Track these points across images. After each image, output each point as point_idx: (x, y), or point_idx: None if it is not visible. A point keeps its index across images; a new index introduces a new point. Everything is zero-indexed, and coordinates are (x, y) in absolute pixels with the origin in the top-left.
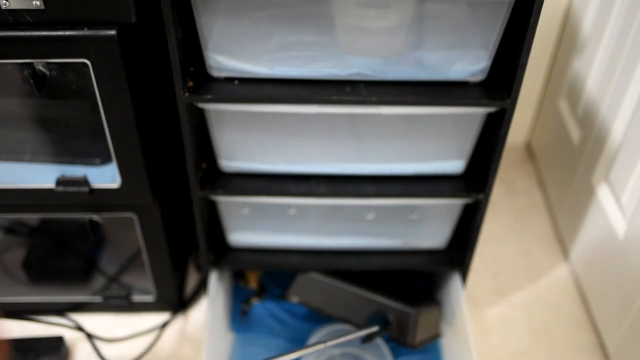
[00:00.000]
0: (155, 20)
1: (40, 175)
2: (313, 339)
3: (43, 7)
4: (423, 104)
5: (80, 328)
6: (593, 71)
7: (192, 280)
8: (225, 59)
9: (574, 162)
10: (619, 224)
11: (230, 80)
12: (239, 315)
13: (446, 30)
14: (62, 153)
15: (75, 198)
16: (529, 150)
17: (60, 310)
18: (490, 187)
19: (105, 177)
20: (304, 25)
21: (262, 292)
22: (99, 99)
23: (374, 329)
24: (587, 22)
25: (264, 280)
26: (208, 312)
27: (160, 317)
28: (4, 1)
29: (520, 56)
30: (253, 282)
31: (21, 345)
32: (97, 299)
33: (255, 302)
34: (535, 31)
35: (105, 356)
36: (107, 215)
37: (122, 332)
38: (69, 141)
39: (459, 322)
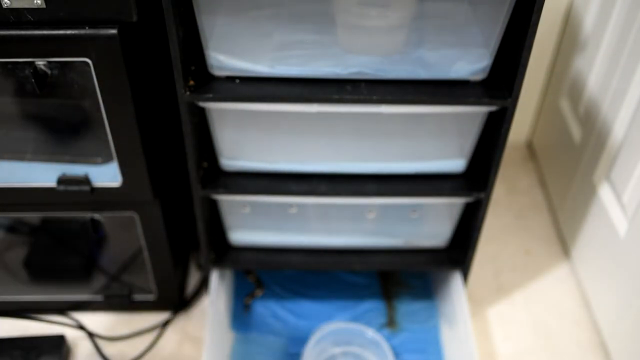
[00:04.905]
0: (157, 19)
1: (42, 174)
2: (314, 337)
3: (44, 6)
4: (424, 102)
5: (81, 327)
6: (594, 70)
7: (193, 279)
8: (227, 58)
9: (575, 160)
10: (620, 223)
11: (231, 79)
12: (242, 310)
13: (447, 29)
14: (63, 152)
15: (76, 197)
16: (530, 149)
17: (62, 309)
18: (491, 186)
19: (107, 176)
20: (305, 24)
21: (260, 284)
22: (100, 98)
23: None
24: (589, 20)
25: (265, 278)
26: (209, 311)
27: (161, 316)
28: (6, 0)
29: (521, 55)
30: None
31: (22, 344)
32: (98, 297)
33: (258, 294)
34: (536, 30)
35: (106, 355)
36: (109, 214)
37: (123, 331)
38: (70, 140)
39: (460, 320)
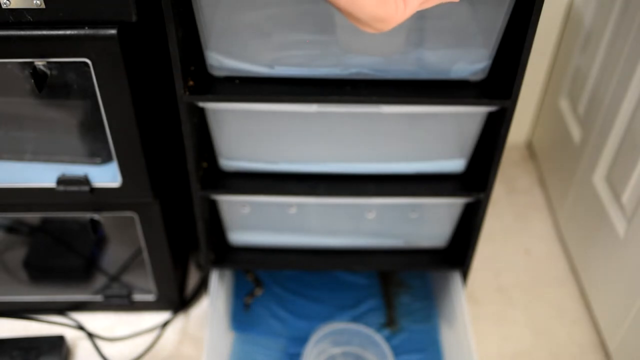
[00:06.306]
0: (156, 20)
1: (41, 175)
2: (314, 338)
3: (44, 6)
4: (423, 103)
5: (81, 327)
6: (594, 70)
7: (193, 279)
8: (226, 58)
9: (575, 161)
10: (620, 223)
11: (230, 79)
12: (241, 310)
13: (447, 29)
14: (63, 152)
15: (76, 197)
16: (530, 149)
17: (61, 309)
18: (491, 186)
19: (106, 176)
20: (304, 24)
21: (259, 283)
22: (100, 98)
23: None
24: (588, 20)
25: (265, 279)
26: (209, 311)
27: (161, 316)
28: (5, 0)
29: (521, 55)
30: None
31: (22, 345)
32: (98, 298)
33: (258, 293)
34: (535, 30)
35: (106, 355)
36: (108, 214)
37: (123, 332)
38: (69, 140)
39: (459, 321)
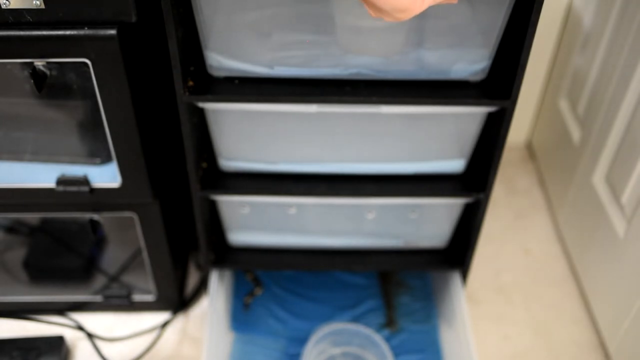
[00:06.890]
0: (156, 20)
1: (41, 175)
2: (314, 338)
3: (43, 7)
4: (423, 103)
5: (80, 327)
6: (593, 70)
7: (192, 279)
8: (226, 58)
9: (575, 161)
10: (619, 223)
11: (230, 79)
12: (241, 310)
13: (447, 29)
14: (62, 152)
15: (75, 197)
16: (530, 150)
17: (61, 309)
18: (490, 186)
19: (106, 176)
20: (304, 24)
21: (259, 283)
22: (100, 98)
23: None
24: (588, 21)
25: (265, 279)
26: (209, 312)
27: (160, 317)
28: (4, 1)
29: (520, 55)
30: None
31: (22, 345)
32: (98, 298)
33: (258, 293)
34: (535, 30)
35: (106, 356)
36: (108, 214)
37: (123, 332)
38: (69, 141)
39: (459, 321)
